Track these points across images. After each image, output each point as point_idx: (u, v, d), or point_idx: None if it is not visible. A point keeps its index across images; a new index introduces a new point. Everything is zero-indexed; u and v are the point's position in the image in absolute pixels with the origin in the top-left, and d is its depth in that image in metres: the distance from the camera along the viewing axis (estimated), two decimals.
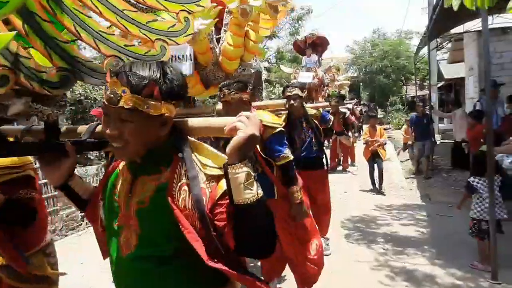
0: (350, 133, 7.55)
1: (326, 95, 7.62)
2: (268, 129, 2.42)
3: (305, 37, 7.86)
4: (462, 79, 17.03)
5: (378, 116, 30.45)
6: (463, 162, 6.86)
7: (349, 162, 8.34)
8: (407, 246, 3.91)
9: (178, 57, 2.88)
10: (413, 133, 7.80)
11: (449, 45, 23.45)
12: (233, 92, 2.38)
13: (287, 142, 2.58)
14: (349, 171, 8.03)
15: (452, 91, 20.88)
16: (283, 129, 2.54)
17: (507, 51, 11.29)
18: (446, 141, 10.75)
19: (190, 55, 2.84)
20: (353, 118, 7.51)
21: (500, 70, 11.36)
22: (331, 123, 3.94)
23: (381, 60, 26.85)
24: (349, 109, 7.81)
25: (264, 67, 22.15)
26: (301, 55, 8.33)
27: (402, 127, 20.60)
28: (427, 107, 21.53)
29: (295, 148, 3.55)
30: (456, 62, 17.68)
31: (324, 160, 3.67)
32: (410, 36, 29.11)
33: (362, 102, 33.72)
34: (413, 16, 49.66)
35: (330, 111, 4.46)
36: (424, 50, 14.40)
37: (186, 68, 2.84)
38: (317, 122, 3.66)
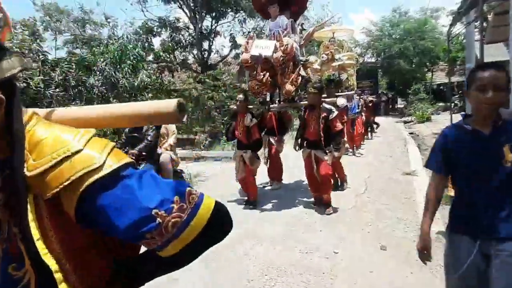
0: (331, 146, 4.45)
1: (300, 80, 4.45)
2: None
3: None
4: (504, 63, 13.88)
5: (398, 106, 27.48)
6: None
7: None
8: None
9: None
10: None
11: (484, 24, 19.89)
12: None
13: None
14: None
15: None
16: None
17: None
18: None
19: None
20: (339, 125, 4.40)
21: None
22: None
23: (402, 42, 23.43)
24: (338, 106, 4.95)
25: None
26: (264, 17, 5.35)
27: (426, 119, 17.71)
28: (455, 97, 18.41)
29: None
30: (496, 42, 14.43)
31: None
32: (436, 14, 25.47)
33: (380, 91, 30.30)
34: None
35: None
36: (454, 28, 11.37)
37: None
38: None
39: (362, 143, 10.14)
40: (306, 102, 4.53)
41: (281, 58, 4.33)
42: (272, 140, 5.61)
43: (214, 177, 7.08)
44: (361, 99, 10.27)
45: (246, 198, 5.02)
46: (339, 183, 5.58)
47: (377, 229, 3.98)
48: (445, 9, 25.14)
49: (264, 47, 4.31)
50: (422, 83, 23.96)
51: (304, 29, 5.13)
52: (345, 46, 7.34)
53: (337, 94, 5.33)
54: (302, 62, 4.64)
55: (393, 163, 7.62)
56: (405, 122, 18.55)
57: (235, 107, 4.86)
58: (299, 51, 4.73)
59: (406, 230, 3.91)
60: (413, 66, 24.32)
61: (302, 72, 4.55)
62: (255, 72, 4.47)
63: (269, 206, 4.92)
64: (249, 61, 4.49)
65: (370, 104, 11.97)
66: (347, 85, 7.17)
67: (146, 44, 17.51)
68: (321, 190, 4.54)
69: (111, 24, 15.51)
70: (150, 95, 12.76)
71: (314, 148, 4.41)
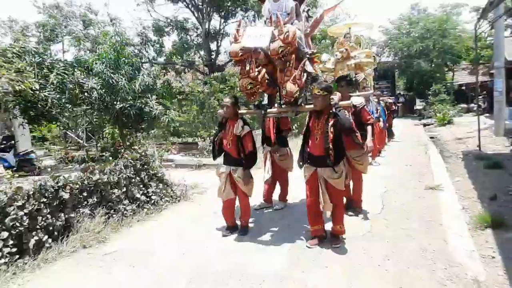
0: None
1: (305, 77, 3.55)
2: None
3: None
4: None
5: (417, 107, 26.22)
6: None
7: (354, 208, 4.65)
8: None
9: None
10: None
11: (509, 20, 18.84)
12: None
13: None
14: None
15: None
16: None
17: None
18: None
19: None
20: (358, 135, 3.79)
21: None
22: None
23: (422, 41, 22.28)
24: (356, 106, 4.16)
25: None
26: (261, 1, 4.49)
27: (448, 122, 16.55)
28: (480, 97, 17.20)
29: None
30: None
31: None
32: (457, 11, 24.14)
33: (398, 92, 29.02)
34: None
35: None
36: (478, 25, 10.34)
37: None
38: None
39: (382, 149, 9.27)
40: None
41: (280, 50, 3.42)
42: (274, 155, 4.82)
43: (213, 189, 6.38)
44: (381, 101, 9.33)
45: (240, 222, 4.19)
46: (351, 206, 4.65)
47: (396, 265, 3.21)
48: (467, 5, 23.86)
49: (258, 36, 3.47)
50: (443, 83, 22.70)
51: (311, 17, 4.26)
52: (362, 42, 6.52)
53: (351, 94, 4.45)
54: (308, 56, 3.72)
55: (414, 174, 6.78)
56: (424, 125, 17.49)
57: (222, 112, 3.99)
58: (304, 41, 3.83)
59: (434, 268, 3.13)
60: (433, 65, 23.13)
61: (309, 68, 3.64)
62: (248, 67, 3.62)
63: (266, 234, 4.11)
64: (240, 54, 3.63)
65: (393, 107, 11.10)
66: (365, 85, 6.38)
67: (158, 46, 17.09)
68: (332, 220, 3.65)
69: (116, 25, 15.12)
70: (154, 97, 12.23)
71: (321, 165, 3.49)
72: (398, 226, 4.14)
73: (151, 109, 11.02)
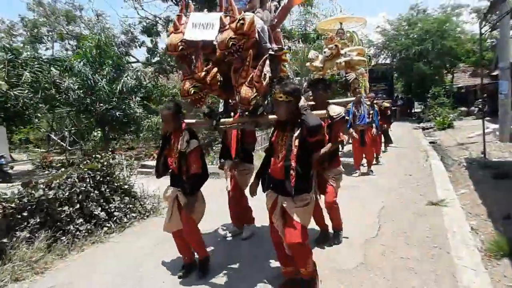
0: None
1: (267, 79, 2.65)
2: None
3: None
4: None
5: (415, 110, 25.56)
6: None
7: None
8: None
9: None
10: None
11: None
12: None
13: None
14: None
15: None
16: None
17: None
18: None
19: None
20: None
21: None
22: None
23: (421, 43, 21.68)
24: (333, 117, 3.26)
25: None
26: None
27: (448, 126, 15.93)
28: (478, 101, 16.57)
29: None
30: None
31: None
32: (458, 11, 23.57)
33: (396, 95, 28.42)
34: None
35: None
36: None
37: None
38: None
39: (379, 156, 8.57)
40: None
41: (231, 42, 2.58)
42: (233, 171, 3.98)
43: None
44: (375, 105, 8.58)
45: (198, 257, 3.36)
46: (332, 232, 3.84)
47: None
48: (468, 5, 23.33)
49: (205, 26, 2.70)
50: (442, 85, 22.08)
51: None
52: (355, 39, 5.88)
53: (329, 101, 3.62)
54: (272, 52, 2.90)
55: (414, 186, 6.10)
56: (423, 129, 16.84)
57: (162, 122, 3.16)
58: (269, 34, 2.96)
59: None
60: (432, 68, 22.52)
61: (267, 68, 2.75)
62: (193, 66, 2.82)
63: (229, 271, 3.31)
64: (180, 48, 2.77)
65: (389, 112, 10.39)
66: (356, 86, 5.71)
67: (151, 46, 16.46)
68: (296, 262, 2.76)
69: (102, 21, 14.43)
70: (137, 99, 11.54)
71: (282, 192, 2.66)
72: (397, 254, 3.45)
73: (132, 112, 10.34)
